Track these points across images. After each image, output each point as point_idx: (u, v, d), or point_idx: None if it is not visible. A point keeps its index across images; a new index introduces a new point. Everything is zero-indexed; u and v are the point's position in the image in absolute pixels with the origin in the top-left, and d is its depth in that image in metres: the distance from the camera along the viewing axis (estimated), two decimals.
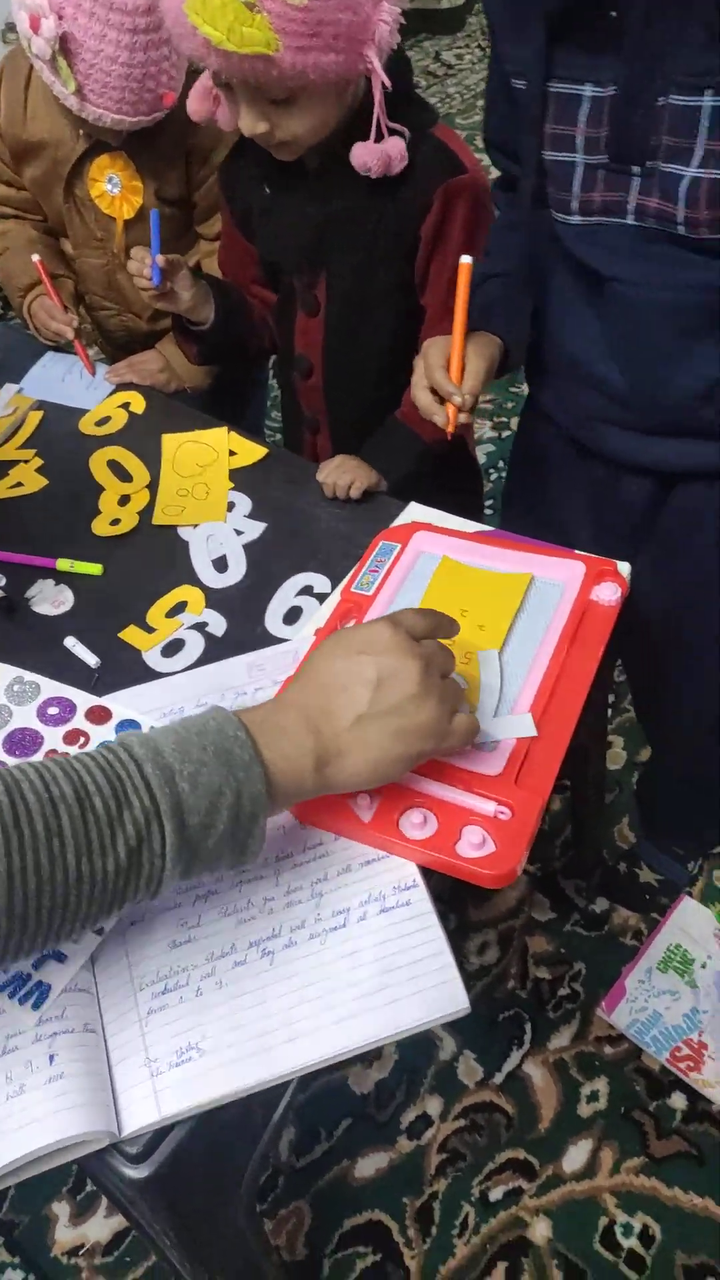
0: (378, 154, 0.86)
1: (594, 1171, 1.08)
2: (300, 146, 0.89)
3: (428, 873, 0.67)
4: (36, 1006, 0.60)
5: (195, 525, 0.97)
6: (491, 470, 2.03)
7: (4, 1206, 1.11)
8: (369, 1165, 1.11)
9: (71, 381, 1.16)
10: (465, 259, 0.78)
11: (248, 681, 0.80)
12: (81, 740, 0.75)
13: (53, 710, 0.78)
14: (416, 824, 0.66)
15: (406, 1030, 0.61)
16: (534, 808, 0.67)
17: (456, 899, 1.32)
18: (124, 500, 1.00)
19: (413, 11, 3.86)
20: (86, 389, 1.15)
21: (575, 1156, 1.09)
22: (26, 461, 1.05)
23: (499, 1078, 1.16)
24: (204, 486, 1.01)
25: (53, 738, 0.76)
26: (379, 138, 0.87)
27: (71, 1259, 1.07)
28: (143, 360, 1.17)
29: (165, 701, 0.79)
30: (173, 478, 1.02)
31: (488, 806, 0.67)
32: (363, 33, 0.79)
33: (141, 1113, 0.57)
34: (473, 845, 0.65)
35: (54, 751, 0.75)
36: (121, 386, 1.15)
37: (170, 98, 0.98)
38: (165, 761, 0.53)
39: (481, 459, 2.08)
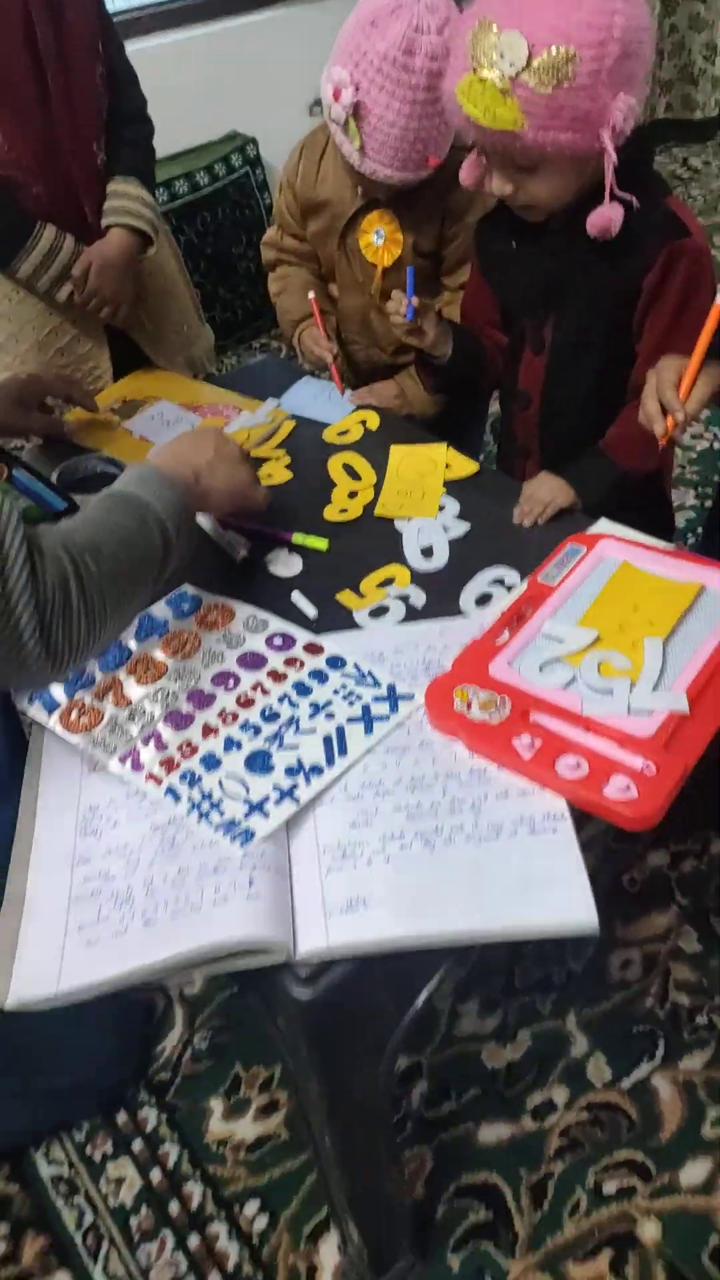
0: (600, 218, 0.99)
1: (711, 1189, 1.08)
2: (541, 208, 1.03)
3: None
4: (243, 845, 0.74)
5: (409, 519, 1.11)
6: (689, 535, 2.07)
7: (171, 1090, 1.25)
8: (491, 1133, 1.16)
9: (320, 401, 1.36)
10: None
11: (439, 640, 0.92)
12: (299, 664, 0.90)
13: (278, 641, 0.94)
14: (570, 766, 0.75)
15: (539, 930, 0.69)
16: (678, 768, 0.74)
17: (605, 917, 1.36)
18: (352, 495, 1.16)
19: (666, 121, 4.02)
20: (332, 407, 1.34)
21: (694, 1172, 1.09)
22: (278, 459, 1.25)
23: (626, 1083, 1.18)
24: (421, 490, 1.15)
25: (275, 660, 0.92)
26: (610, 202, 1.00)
27: (220, 1148, 1.19)
28: (382, 387, 1.35)
29: (368, 646, 0.92)
30: (395, 480, 1.17)
31: (636, 761, 0.75)
32: (599, 118, 0.92)
33: (314, 939, 0.69)
34: (618, 789, 0.73)
35: (275, 671, 0.90)
36: (361, 407, 1.33)
37: (433, 160, 1.16)
38: (145, 500, 0.85)
39: (680, 524, 2.12)
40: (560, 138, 0.93)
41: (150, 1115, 1.24)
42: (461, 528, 1.10)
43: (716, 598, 0.90)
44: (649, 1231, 1.06)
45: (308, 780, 0.79)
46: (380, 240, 1.28)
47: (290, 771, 0.79)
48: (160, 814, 0.79)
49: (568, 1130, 1.15)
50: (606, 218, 0.97)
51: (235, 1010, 1.32)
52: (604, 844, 1.44)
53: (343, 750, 0.81)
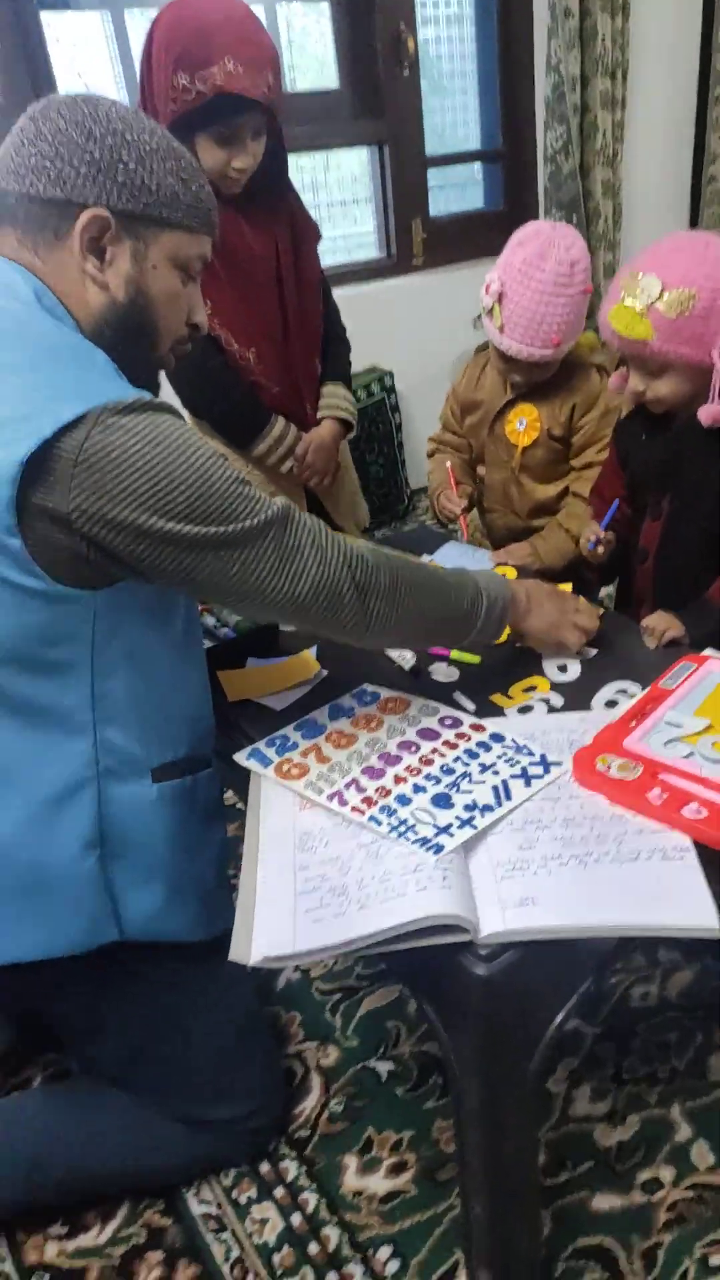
0: (709, 411, 1.26)
1: None
2: (665, 404, 1.31)
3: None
4: (435, 855, 0.92)
5: None
6: None
7: (309, 1146, 1.33)
8: (604, 1202, 1.20)
9: (465, 558, 1.63)
10: None
11: (579, 726, 1.11)
12: (467, 737, 1.10)
13: (448, 721, 1.14)
14: (694, 810, 0.92)
15: (672, 928, 0.84)
16: None
17: (711, 1016, 1.43)
18: None
19: None
20: (475, 563, 1.60)
21: None
22: None
23: None
24: None
25: (447, 734, 1.12)
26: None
27: (355, 1198, 1.26)
28: (517, 547, 1.62)
29: (521, 728, 1.12)
30: None
31: None
32: (710, 340, 1.21)
33: (494, 923, 0.85)
34: None
35: (448, 740, 1.10)
36: (499, 562, 1.59)
37: (557, 340, 1.48)
38: (474, 575, 1.13)
39: None
40: (680, 350, 1.23)
41: (290, 1166, 1.31)
42: (590, 652, 1.31)
43: None
44: None
45: (483, 814, 0.97)
46: (522, 427, 1.61)
47: (468, 808, 0.98)
48: (365, 835, 0.98)
49: (674, 1205, 1.19)
50: (714, 411, 1.25)
51: (366, 1081, 1.41)
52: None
53: (508, 796, 0.99)
